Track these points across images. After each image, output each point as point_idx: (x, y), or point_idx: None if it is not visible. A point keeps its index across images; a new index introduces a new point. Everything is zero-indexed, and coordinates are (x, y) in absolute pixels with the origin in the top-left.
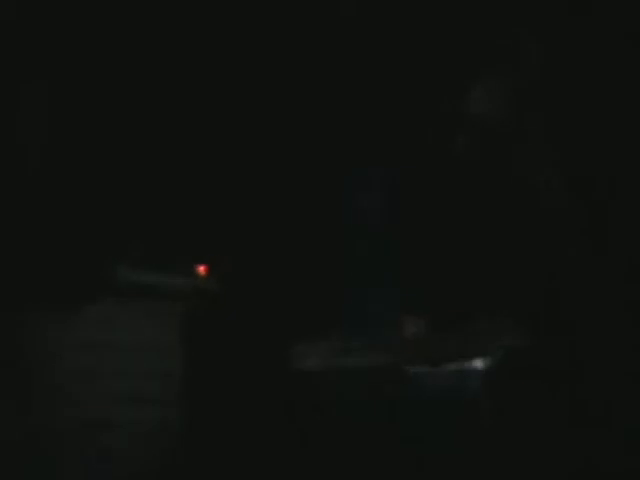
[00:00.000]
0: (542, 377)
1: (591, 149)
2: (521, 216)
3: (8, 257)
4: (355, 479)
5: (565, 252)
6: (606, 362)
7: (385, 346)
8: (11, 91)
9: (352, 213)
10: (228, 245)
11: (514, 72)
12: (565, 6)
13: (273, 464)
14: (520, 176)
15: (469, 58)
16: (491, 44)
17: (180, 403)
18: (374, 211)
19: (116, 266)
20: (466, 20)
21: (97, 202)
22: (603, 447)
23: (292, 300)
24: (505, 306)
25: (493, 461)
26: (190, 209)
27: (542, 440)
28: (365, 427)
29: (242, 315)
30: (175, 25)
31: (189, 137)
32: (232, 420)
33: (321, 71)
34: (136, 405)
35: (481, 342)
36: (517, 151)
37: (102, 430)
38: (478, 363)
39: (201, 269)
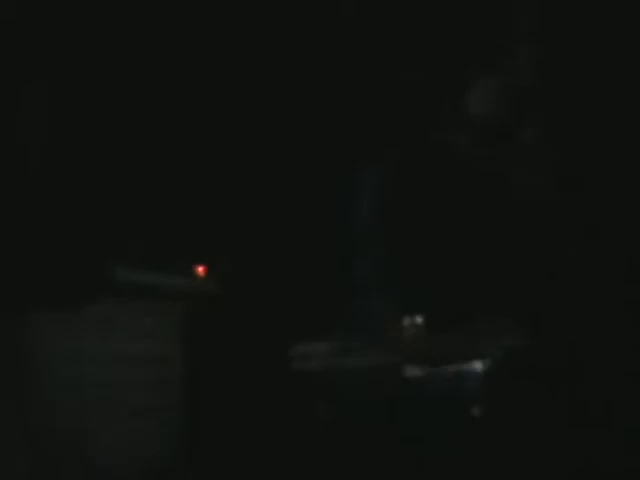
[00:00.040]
0: (542, 377)
1: (591, 149)
2: (521, 216)
3: (7, 258)
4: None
5: (565, 252)
6: (606, 362)
7: (385, 347)
8: (11, 91)
9: (352, 213)
10: (227, 245)
11: (513, 72)
12: (564, 6)
13: (273, 465)
14: (519, 176)
15: (468, 58)
16: (490, 44)
17: (179, 403)
18: (374, 212)
19: (115, 266)
20: (465, 20)
21: (96, 202)
22: (603, 447)
23: (292, 300)
24: (505, 306)
25: (493, 462)
26: (190, 209)
27: (542, 440)
28: (365, 427)
29: (242, 316)
30: (175, 25)
31: (190, 138)
32: (232, 421)
33: (320, 71)
34: (135, 406)
35: (481, 343)
36: (516, 151)
37: (102, 430)
38: (478, 364)
39: (200, 269)
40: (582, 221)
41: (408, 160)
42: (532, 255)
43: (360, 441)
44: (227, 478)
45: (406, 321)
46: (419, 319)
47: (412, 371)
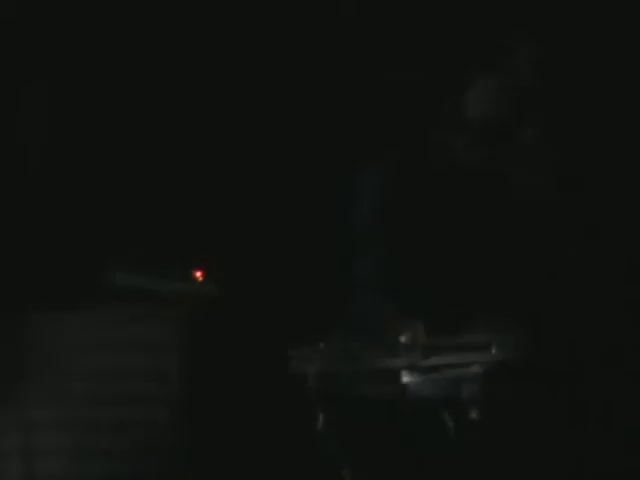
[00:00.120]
0: (542, 377)
1: (590, 149)
2: (520, 216)
3: (7, 259)
4: None
5: (565, 252)
6: (606, 362)
7: (385, 349)
8: (11, 91)
9: (352, 213)
10: (226, 249)
11: (513, 72)
12: (563, 7)
13: (272, 466)
14: (519, 176)
15: (468, 58)
16: (489, 44)
17: (178, 406)
18: (374, 212)
19: (115, 270)
20: (464, 21)
21: (96, 207)
22: (603, 447)
23: (291, 303)
24: (505, 306)
25: (493, 462)
26: (188, 212)
27: (542, 440)
28: (364, 430)
29: (241, 319)
30: (175, 25)
31: (190, 140)
32: (231, 423)
33: (320, 72)
34: (134, 406)
35: (481, 343)
36: (516, 152)
37: (101, 432)
38: (478, 364)
39: (199, 273)
40: (582, 221)
41: (408, 160)
42: (532, 255)
43: (360, 443)
44: (226, 478)
45: (406, 323)
46: (419, 321)
47: (412, 372)
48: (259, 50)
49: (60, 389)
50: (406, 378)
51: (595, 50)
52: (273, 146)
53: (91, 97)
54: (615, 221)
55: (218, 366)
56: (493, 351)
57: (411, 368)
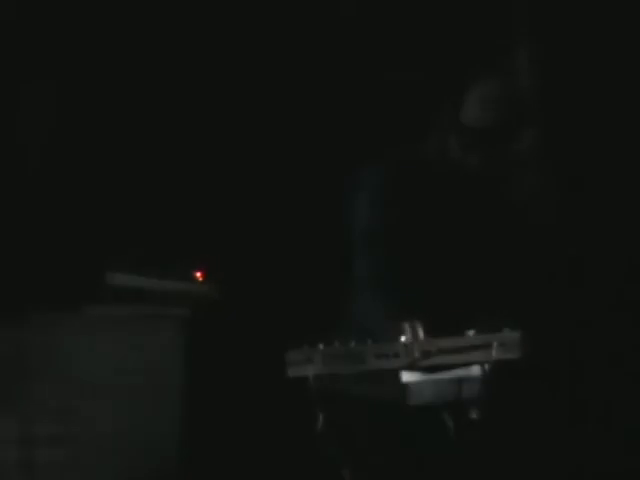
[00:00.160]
0: (542, 377)
1: (590, 150)
2: (520, 217)
3: (7, 260)
4: None
5: (564, 252)
6: (606, 362)
7: (385, 349)
8: (11, 91)
9: (351, 215)
10: (226, 249)
11: (512, 73)
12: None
13: (272, 466)
14: (519, 177)
15: (467, 59)
16: (489, 45)
17: (179, 406)
18: (373, 212)
19: (115, 270)
20: (464, 21)
21: (96, 207)
22: (603, 447)
23: (291, 303)
24: (505, 307)
25: (493, 462)
26: (188, 213)
27: (542, 440)
28: (364, 430)
29: (241, 319)
30: (174, 26)
31: (190, 140)
32: (232, 423)
33: (320, 72)
34: (133, 408)
35: (481, 343)
36: (515, 152)
37: (100, 433)
38: (478, 364)
39: (199, 274)
40: (582, 221)
41: (408, 160)
42: (532, 255)
43: (359, 445)
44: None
45: (406, 325)
46: (419, 323)
47: (412, 372)
48: (259, 50)
49: (60, 389)
50: (406, 378)
51: (595, 50)
52: (273, 146)
53: (91, 97)
54: (615, 221)
55: (218, 366)
56: (493, 351)
57: (411, 368)
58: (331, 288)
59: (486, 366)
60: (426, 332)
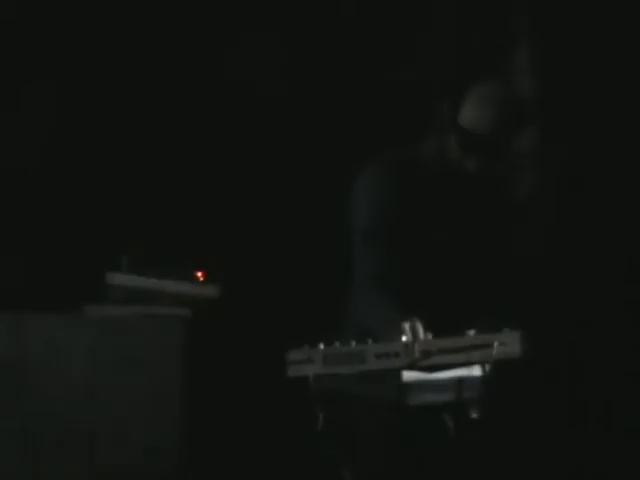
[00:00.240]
0: (542, 377)
1: (587, 153)
2: (520, 217)
3: (7, 260)
4: None
5: (564, 252)
6: (606, 362)
7: (385, 349)
8: (11, 91)
9: (352, 215)
10: (226, 249)
11: (512, 74)
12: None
13: (272, 466)
14: (519, 177)
15: (467, 60)
16: (489, 46)
17: (179, 407)
18: (374, 213)
19: (115, 270)
20: (464, 21)
21: (96, 207)
22: (603, 447)
23: (291, 303)
24: (505, 307)
25: (493, 462)
26: (189, 213)
27: (542, 440)
28: (364, 430)
29: (241, 319)
30: (174, 26)
31: (191, 140)
32: (231, 423)
33: (320, 72)
34: (133, 408)
35: (481, 344)
36: (515, 153)
37: (100, 433)
38: (478, 365)
39: (200, 274)
40: (582, 221)
41: (408, 161)
42: (532, 255)
43: (359, 446)
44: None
45: (406, 325)
46: (419, 323)
47: (412, 373)
48: (259, 50)
49: (60, 389)
50: (406, 378)
51: (595, 50)
52: (273, 147)
53: (92, 97)
54: (615, 221)
55: (218, 366)
56: (493, 351)
57: (411, 368)
58: (331, 288)
59: (486, 366)
60: (426, 332)
